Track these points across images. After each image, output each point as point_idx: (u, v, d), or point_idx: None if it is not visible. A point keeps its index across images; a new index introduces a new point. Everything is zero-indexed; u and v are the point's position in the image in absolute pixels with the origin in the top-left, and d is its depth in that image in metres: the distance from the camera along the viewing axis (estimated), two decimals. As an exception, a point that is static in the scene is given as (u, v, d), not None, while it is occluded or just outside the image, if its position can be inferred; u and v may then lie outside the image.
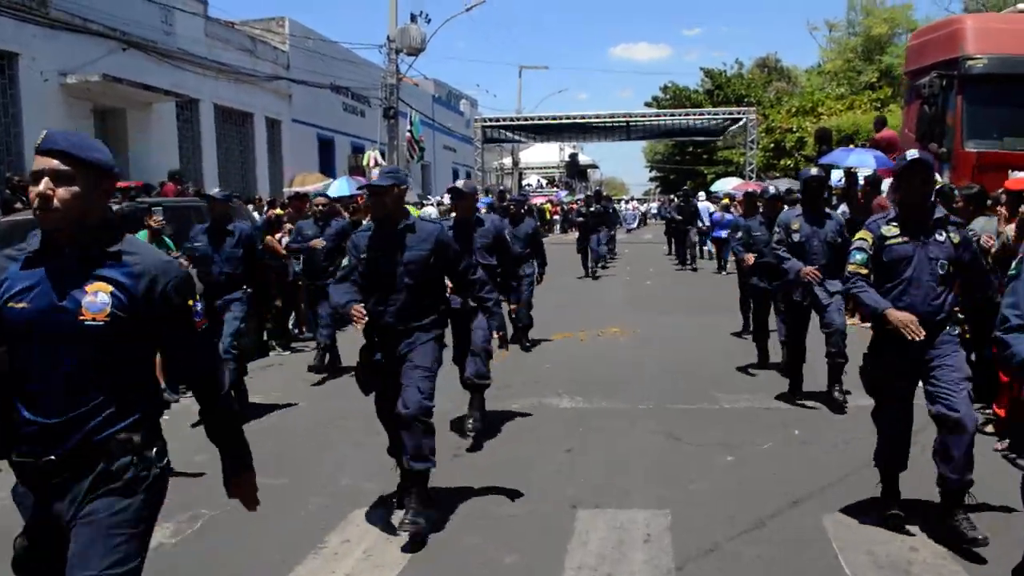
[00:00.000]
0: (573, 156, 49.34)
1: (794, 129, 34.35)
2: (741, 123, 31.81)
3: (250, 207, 14.67)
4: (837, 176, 14.89)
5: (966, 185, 6.55)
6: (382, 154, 18.86)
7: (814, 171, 7.00)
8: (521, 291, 8.52)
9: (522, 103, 45.14)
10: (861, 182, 12.66)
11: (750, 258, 8.06)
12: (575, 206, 28.96)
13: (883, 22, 42.01)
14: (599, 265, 18.42)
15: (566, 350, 9.65)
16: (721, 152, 43.27)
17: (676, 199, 23.13)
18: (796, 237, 6.60)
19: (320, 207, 8.76)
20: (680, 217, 20.17)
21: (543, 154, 55.60)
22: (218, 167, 20.95)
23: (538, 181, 54.52)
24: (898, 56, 39.35)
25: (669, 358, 8.99)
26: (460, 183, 6.87)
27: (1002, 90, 9.05)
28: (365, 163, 18.62)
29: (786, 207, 7.67)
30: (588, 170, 68.23)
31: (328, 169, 25.45)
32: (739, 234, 8.52)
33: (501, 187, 29.75)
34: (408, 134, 32.42)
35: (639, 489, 5.03)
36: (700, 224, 19.85)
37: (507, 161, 52.74)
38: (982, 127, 8.97)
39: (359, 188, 13.69)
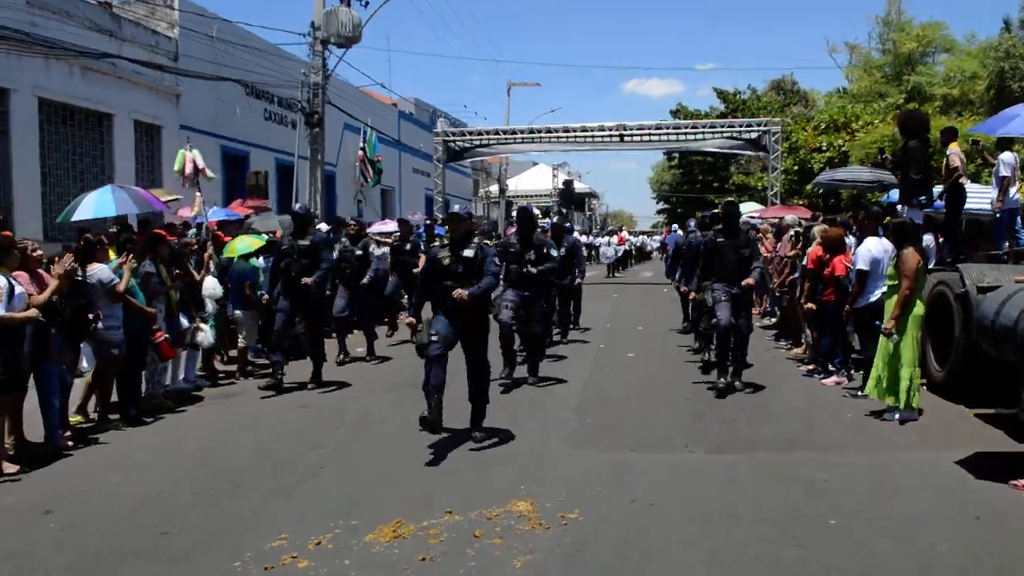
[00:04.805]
0: (568, 183, 43.08)
1: (823, 148, 28.54)
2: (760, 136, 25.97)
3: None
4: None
5: None
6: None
7: None
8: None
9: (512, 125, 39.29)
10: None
11: None
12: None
13: (913, 39, 37.87)
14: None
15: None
16: (735, 177, 37.42)
17: (696, 228, 12.15)
18: None
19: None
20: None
21: (536, 181, 49.51)
22: (42, 183, 15.09)
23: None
24: (928, 76, 34.88)
25: None
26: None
27: None
28: (177, 168, 12.42)
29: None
30: (589, 199, 61.83)
31: (240, 192, 19.52)
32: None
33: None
34: (361, 152, 26.60)
35: None
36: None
37: (494, 189, 46.86)
38: None
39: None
